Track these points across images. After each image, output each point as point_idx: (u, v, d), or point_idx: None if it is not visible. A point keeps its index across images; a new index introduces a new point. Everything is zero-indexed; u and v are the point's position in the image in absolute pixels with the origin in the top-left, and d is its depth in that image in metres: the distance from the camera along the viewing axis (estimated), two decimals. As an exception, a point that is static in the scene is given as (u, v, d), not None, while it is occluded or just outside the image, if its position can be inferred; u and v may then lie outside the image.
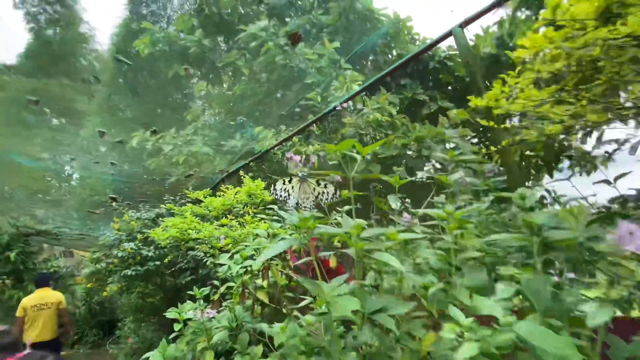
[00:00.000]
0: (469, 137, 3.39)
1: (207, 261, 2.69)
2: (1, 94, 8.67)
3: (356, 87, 4.15)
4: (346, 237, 0.71)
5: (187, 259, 3.93)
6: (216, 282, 1.66)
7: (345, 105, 3.13)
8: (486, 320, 0.66)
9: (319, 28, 5.97)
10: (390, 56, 6.80)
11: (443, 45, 4.63)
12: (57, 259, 8.67)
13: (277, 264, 1.66)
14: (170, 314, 1.59)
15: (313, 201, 0.97)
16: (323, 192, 0.97)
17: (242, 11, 6.50)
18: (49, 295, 3.85)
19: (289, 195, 0.96)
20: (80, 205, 6.57)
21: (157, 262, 3.77)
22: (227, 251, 2.06)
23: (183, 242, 2.76)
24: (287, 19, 7.09)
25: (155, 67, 6.76)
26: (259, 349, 1.32)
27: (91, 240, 5.96)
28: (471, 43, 4.03)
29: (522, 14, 3.43)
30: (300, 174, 0.96)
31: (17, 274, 6.19)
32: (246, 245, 1.46)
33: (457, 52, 4.36)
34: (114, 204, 4.65)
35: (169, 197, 4.06)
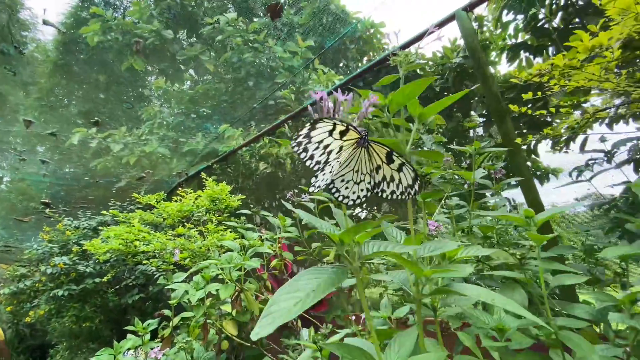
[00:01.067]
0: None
1: (159, 277, 2.26)
2: None
3: (336, 82, 3.90)
4: (400, 258, 0.40)
5: (136, 274, 3.41)
6: (167, 312, 1.26)
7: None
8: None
9: (291, 27, 5.70)
10: (360, 64, 6.71)
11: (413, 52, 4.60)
12: (-22, 275, 7.58)
13: (251, 283, 1.31)
14: (101, 357, 1.16)
15: (367, 190, 0.47)
16: (392, 179, 0.46)
17: (207, 4, 6.05)
18: None
19: (327, 158, 0.45)
20: (8, 212, 5.64)
21: (97, 280, 3.20)
22: (184, 267, 1.66)
23: (129, 256, 2.30)
24: (256, 19, 6.76)
25: (107, 59, 6.07)
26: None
27: (19, 253, 5.11)
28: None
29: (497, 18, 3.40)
30: (359, 128, 0.46)
31: None
32: (210, 263, 1.09)
33: (427, 62, 4.35)
34: (47, 210, 3.97)
35: (115, 203, 3.50)
